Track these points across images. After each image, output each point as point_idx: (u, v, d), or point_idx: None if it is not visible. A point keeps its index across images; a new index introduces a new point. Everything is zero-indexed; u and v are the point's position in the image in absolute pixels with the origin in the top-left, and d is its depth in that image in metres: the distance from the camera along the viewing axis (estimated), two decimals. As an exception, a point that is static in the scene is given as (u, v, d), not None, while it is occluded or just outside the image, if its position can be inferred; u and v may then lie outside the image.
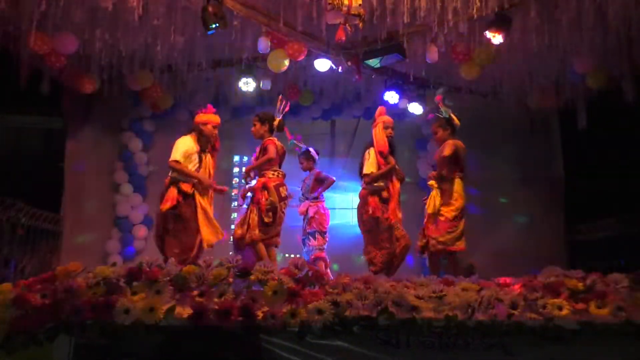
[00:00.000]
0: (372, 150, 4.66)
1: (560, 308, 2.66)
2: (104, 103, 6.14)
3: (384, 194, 4.56)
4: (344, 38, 4.33)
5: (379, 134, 4.70)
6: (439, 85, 5.10)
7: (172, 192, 4.07)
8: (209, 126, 4.30)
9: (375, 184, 4.59)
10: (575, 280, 2.86)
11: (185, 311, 2.60)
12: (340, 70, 5.51)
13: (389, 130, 4.74)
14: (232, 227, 5.34)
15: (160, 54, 5.00)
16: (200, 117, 4.33)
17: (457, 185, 4.55)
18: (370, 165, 4.62)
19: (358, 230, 4.73)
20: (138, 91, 6.09)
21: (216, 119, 4.37)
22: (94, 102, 6.18)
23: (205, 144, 4.30)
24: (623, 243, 5.57)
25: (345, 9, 4.08)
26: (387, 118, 4.80)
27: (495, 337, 2.59)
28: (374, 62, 5.24)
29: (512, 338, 2.58)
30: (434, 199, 4.55)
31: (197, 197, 4.12)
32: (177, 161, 4.12)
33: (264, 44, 4.93)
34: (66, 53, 5.05)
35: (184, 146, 4.18)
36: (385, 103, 6.01)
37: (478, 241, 6.32)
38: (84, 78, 5.58)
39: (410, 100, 6.14)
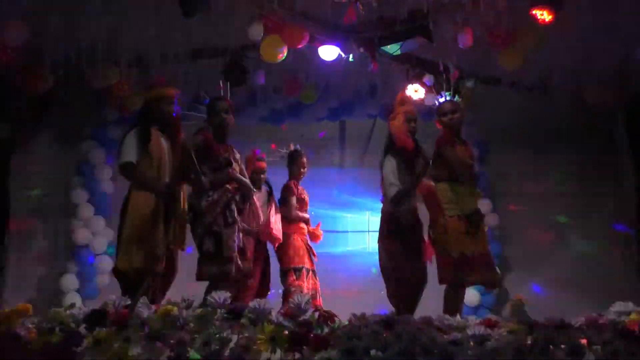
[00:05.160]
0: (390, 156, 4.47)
1: (633, 355, 2.63)
2: (59, 105, 6.19)
3: (406, 218, 4.40)
4: (355, 19, 4.36)
5: (399, 128, 4.46)
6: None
7: None
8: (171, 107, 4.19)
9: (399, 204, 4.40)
10: (653, 320, 2.83)
11: (160, 364, 2.60)
12: (350, 59, 5.54)
13: (412, 124, 4.50)
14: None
15: (128, 44, 5.03)
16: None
17: None
18: (389, 176, 4.39)
19: (376, 258, 4.64)
20: (101, 90, 6.14)
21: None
22: (46, 105, 6.24)
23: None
24: None
25: (356, -17, 4.13)
26: (411, 107, 4.61)
27: (551, 392, 2.56)
28: (393, 49, 5.27)
29: (573, 393, 2.55)
30: None
31: None
32: None
33: (255, 29, 4.97)
34: (14, 45, 5.11)
35: None
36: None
37: (528, 271, 6.34)
38: (34, 75, 5.62)
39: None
